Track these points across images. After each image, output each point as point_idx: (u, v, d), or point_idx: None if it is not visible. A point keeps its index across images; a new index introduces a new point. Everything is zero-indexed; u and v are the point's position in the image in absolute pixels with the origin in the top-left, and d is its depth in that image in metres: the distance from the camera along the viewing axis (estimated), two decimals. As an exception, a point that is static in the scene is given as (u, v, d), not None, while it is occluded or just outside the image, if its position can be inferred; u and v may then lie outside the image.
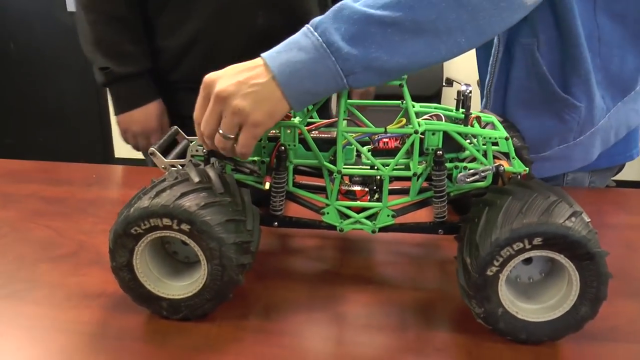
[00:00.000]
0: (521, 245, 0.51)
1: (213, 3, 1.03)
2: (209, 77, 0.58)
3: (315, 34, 0.57)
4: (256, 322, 0.58)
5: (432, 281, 0.66)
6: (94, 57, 1.05)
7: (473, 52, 1.31)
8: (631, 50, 0.84)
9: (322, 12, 1.18)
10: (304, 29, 0.59)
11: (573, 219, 0.51)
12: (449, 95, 2.76)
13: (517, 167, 0.65)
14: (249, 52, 1.02)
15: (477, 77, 1.43)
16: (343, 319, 0.59)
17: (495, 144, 0.66)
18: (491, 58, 0.92)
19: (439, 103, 2.74)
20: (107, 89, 1.09)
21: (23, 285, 0.64)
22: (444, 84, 2.68)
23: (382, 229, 0.65)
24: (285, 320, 0.58)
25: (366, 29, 0.56)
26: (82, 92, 2.87)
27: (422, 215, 0.69)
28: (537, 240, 0.50)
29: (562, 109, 0.84)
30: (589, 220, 0.54)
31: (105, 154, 3.05)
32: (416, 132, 0.61)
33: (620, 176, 2.29)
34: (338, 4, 0.60)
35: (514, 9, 0.61)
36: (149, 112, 1.08)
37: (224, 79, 0.57)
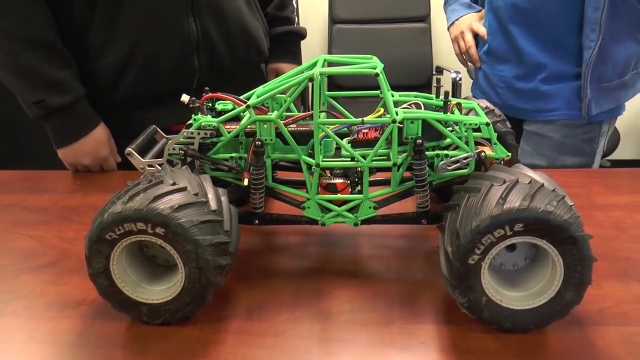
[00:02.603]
0: (502, 232, 0.50)
1: (140, 15, 0.97)
2: None
3: None
4: (238, 324, 0.57)
5: (417, 273, 0.65)
6: (21, 90, 0.95)
7: None
8: None
9: (252, 12, 1.16)
10: None
11: (554, 203, 0.50)
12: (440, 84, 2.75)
13: (499, 152, 0.64)
14: (186, 62, 1.02)
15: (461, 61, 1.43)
16: (327, 316, 0.58)
17: (478, 130, 0.64)
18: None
19: (430, 91, 2.73)
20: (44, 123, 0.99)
21: (2, 297, 0.63)
22: (434, 72, 2.67)
23: (364, 222, 0.64)
24: (268, 320, 0.57)
25: None
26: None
27: (407, 206, 0.68)
28: (518, 227, 0.49)
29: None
30: (572, 203, 0.53)
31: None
32: (394, 121, 0.60)
33: (614, 155, 2.28)
34: None
35: None
36: (97, 139, 1.00)
37: None
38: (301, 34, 1.29)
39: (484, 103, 0.78)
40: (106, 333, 0.56)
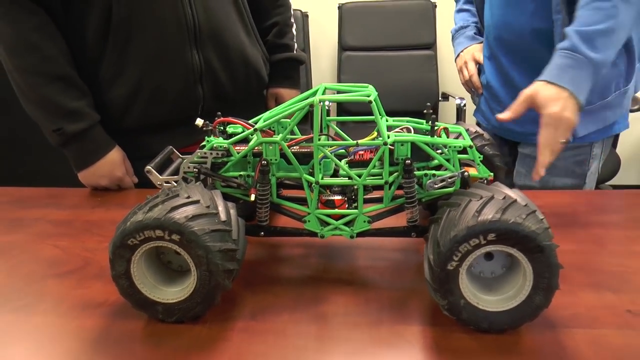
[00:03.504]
0: (477, 241, 0.56)
1: (147, 49, 1.06)
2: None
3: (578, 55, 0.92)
4: (243, 323, 0.63)
5: (407, 282, 0.71)
6: (41, 119, 1.04)
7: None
8: None
9: (252, 42, 1.27)
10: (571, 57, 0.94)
11: (524, 215, 0.56)
12: (446, 109, 2.83)
13: (482, 172, 0.71)
14: (191, 91, 1.11)
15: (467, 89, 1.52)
16: (323, 318, 0.64)
17: (465, 152, 0.71)
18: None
19: (436, 117, 2.80)
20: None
21: (32, 298, 0.70)
22: (440, 98, 2.75)
23: (359, 234, 0.70)
24: (270, 321, 0.63)
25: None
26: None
27: (399, 221, 0.75)
28: (491, 236, 0.56)
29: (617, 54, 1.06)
30: (543, 217, 0.59)
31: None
32: (385, 143, 0.66)
33: (616, 181, 2.32)
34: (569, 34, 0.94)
35: None
36: (113, 161, 1.08)
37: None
38: (300, 60, 1.36)
39: (474, 127, 0.85)
40: (125, 330, 0.63)
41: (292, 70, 1.36)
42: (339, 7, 2.86)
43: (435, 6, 2.81)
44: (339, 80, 2.83)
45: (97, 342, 0.61)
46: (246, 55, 1.19)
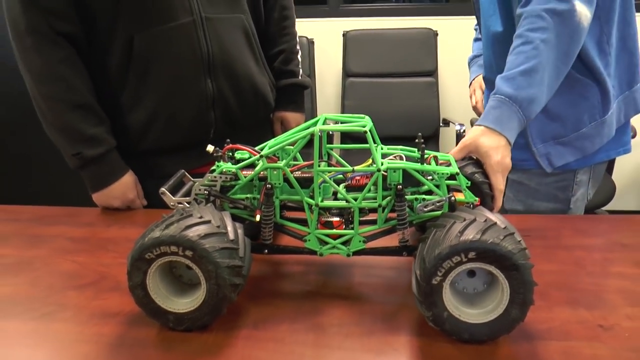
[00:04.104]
0: (459, 258, 0.62)
1: (165, 79, 1.13)
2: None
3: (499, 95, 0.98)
4: (246, 332, 0.69)
5: (399, 297, 0.77)
6: (62, 144, 1.11)
7: (466, 95, 1.52)
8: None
9: (260, 69, 1.37)
10: (493, 99, 0.99)
11: (502, 237, 0.63)
12: (446, 135, 2.90)
13: (468, 197, 0.77)
14: (203, 117, 1.20)
15: (470, 118, 1.60)
16: (320, 328, 0.70)
17: (454, 178, 0.78)
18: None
19: (437, 142, 2.88)
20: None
21: (53, 308, 0.77)
22: (441, 124, 2.82)
23: (355, 253, 0.77)
24: (271, 330, 0.70)
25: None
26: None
27: (392, 241, 0.81)
28: (471, 254, 0.62)
29: (584, 89, 1.14)
30: (520, 239, 0.65)
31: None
32: (379, 170, 0.73)
33: (613, 206, 2.38)
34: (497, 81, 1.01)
35: (582, 37, 1.01)
36: (126, 184, 1.16)
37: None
38: (304, 85, 1.44)
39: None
40: (139, 336, 0.69)
41: (296, 95, 1.44)
42: (343, 35, 2.95)
43: (437, 34, 2.90)
44: (343, 105, 2.91)
45: (113, 347, 0.67)
46: (255, 83, 1.26)
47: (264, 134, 1.37)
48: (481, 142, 0.94)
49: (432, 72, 2.88)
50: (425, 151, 0.79)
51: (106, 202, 1.17)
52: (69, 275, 0.86)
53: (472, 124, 2.52)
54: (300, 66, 1.44)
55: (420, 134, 0.83)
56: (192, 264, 0.66)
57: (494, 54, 1.27)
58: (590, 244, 0.95)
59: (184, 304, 0.69)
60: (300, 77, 1.43)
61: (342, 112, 2.91)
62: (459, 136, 2.51)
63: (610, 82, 1.16)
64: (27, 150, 3.10)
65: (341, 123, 0.80)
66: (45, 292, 0.81)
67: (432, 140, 2.84)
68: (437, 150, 2.83)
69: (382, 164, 0.74)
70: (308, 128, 0.78)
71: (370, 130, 0.75)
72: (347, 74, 2.94)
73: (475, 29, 1.60)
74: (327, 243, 0.77)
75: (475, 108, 1.52)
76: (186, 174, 0.87)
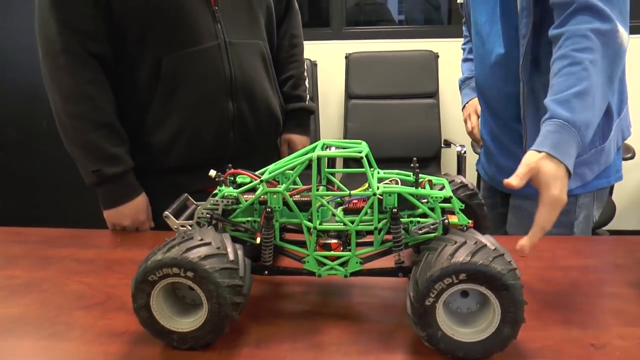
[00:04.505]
0: (450, 280, 0.65)
1: (190, 99, 1.19)
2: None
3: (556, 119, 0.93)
4: (248, 350, 0.72)
5: (396, 317, 0.80)
6: (82, 160, 1.16)
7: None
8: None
9: (274, 92, 1.44)
10: (550, 123, 0.94)
11: (491, 258, 0.65)
12: (448, 156, 2.93)
13: (461, 220, 0.80)
14: (223, 135, 1.26)
15: (471, 139, 1.62)
16: (319, 347, 0.72)
17: (448, 201, 0.80)
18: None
19: (439, 163, 2.90)
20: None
21: (61, 327, 0.79)
22: (442, 145, 2.85)
23: (353, 274, 0.79)
24: (272, 348, 0.72)
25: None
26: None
27: (388, 262, 0.83)
28: (462, 276, 0.65)
29: None
30: (511, 259, 0.67)
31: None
32: (374, 194, 0.76)
33: (613, 226, 2.39)
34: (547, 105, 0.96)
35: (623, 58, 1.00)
36: (138, 206, 1.20)
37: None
38: (310, 110, 1.51)
39: (459, 178, 0.94)
40: (144, 355, 0.71)
41: (303, 119, 1.50)
42: (346, 57, 3.00)
43: (438, 56, 2.94)
44: (345, 127, 2.95)
45: (119, 365, 0.70)
46: (270, 105, 1.33)
47: (273, 153, 1.44)
48: (543, 169, 0.87)
49: (433, 94, 2.92)
50: (420, 175, 0.82)
51: (117, 220, 1.20)
52: (76, 295, 0.89)
53: (472, 145, 2.55)
54: (307, 92, 1.51)
55: (415, 158, 0.86)
56: (194, 285, 0.69)
57: (492, 77, 1.27)
58: (585, 265, 0.97)
59: (187, 323, 0.71)
60: (307, 102, 1.50)
61: (345, 134, 2.94)
62: (460, 157, 2.54)
63: (611, 113, 1.16)
64: (34, 173, 3.15)
65: (339, 148, 0.83)
66: (54, 312, 0.84)
67: (433, 161, 2.88)
68: (439, 171, 2.87)
69: (377, 188, 0.77)
70: (307, 153, 0.81)
71: (367, 155, 0.78)
72: (349, 95, 2.98)
73: (464, 49, 1.59)
74: (325, 264, 0.79)
75: (471, 133, 1.53)
76: (189, 197, 0.90)
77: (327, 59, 3.06)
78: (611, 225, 2.40)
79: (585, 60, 0.94)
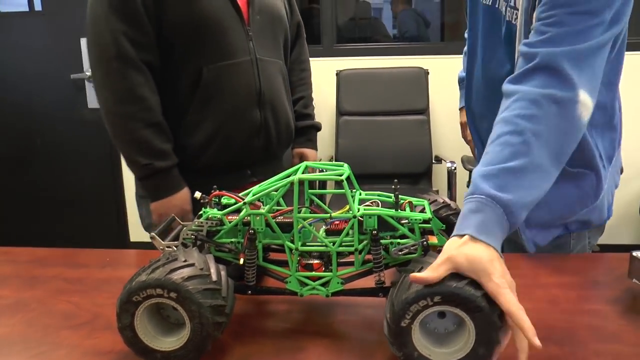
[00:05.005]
0: (425, 302, 0.67)
1: (224, 106, 1.32)
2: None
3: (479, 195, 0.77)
4: (230, 370, 0.73)
5: (376, 335, 0.81)
6: (134, 156, 1.27)
7: (458, 133, 1.51)
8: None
9: (290, 107, 1.53)
10: (471, 200, 0.77)
11: (465, 281, 0.67)
12: (438, 172, 2.95)
13: (440, 241, 0.82)
14: (250, 142, 1.38)
15: (461, 155, 1.63)
16: (300, 366, 0.74)
17: (428, 222, 0.82)
18: None
19: (430, 179, 2.93)
20: (142, 181, 1.31)
21: (48, 347, 0.80)
22: (433, 161, 2.88)
23: (334, 294, 0.81)
24: (254, 368, 0.74)
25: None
26: (100, 182, 3.14)
27: (369, 282, 0.85)
28: (437, 298, 0.66)
29: (579, 178, 1.07)
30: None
31: (121, 238, 3.27)
32: (354, 216, 0.78)
33: (605, 240, 2.40)
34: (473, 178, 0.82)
35: (579, 135, 0.87)
36: (183, 197, 1.31)
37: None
38: (318, 127, 1.69)
39: (442, 198, 0.96)
40: (129, 375, 0.73)
41: (312, 134, 1.68)
42: (337, 74, 3.03)
43: (428, 73, 2.98)
44: (337, 144, 2.97)
45: (104, 385, 0.71)
46: (288, 117, 1.48)
47: (281, 165, 1.56)
48: (472, 255, 0.70)
49: (424, 110, 2.94)
50: (401, 197, 0.84)
51: (165, 210, 1.29)
52: (64, 315, 0.90)
53: (462, 161, 2.57)
54: (314, 111, 1.68)
55: (396, 180, 0.88)
56: (177, 305, 0.70)
57: (493, 95, 1.08)
58: (565, 282, 0.99)
59: (170, 342, 0.73)
60: (314, 120, 1.68)
61: (336, 150, 2.96)
62: (450, 173, 2.56)
63: (603, 166, 1.09)
64: (28, 190, 3.17)
65: (321, 171, 0.86)
66: (41, 331, 0.85)
67: (424, 177, 2.90)
68: (430, 187, 2.90)
69: (358, 210, 0.79)
70: (289, 176, 0.83)
71: (348, 178, 0.80)
72: (340, 112, 3.01)
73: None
74: (307, 284, 0.81)
75: (465, 139, 1.50)
76: (176, 218, 0.92)
77: (318, 76, 3.04)
78: (601, 240, 2.42)
79: (528, 131, 0.81)
